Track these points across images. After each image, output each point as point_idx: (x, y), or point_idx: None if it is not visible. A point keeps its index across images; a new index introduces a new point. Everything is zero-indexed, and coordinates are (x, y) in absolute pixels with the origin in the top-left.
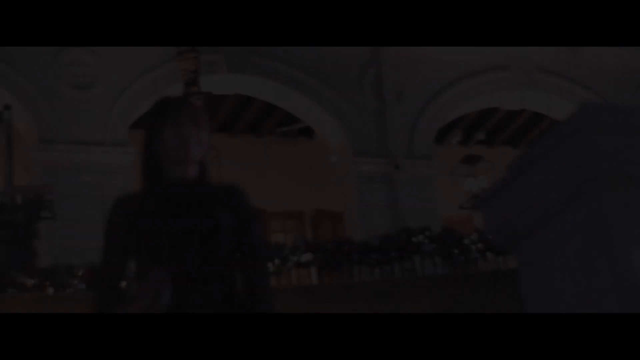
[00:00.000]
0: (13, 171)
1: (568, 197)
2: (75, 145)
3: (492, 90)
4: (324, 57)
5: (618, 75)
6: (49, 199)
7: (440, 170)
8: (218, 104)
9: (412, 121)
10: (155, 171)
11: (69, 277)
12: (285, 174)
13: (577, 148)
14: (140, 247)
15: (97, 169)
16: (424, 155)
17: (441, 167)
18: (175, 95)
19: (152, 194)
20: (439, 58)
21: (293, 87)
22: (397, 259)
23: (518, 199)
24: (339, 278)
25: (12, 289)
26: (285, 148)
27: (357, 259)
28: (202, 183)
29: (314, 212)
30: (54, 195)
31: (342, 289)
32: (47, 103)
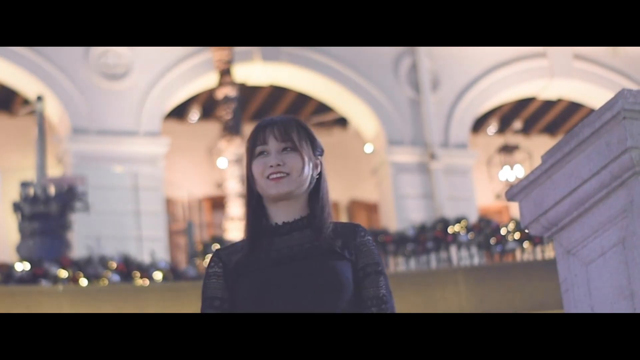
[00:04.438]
0: (46, 162)
1: (606, 186)
2: (108, 136)
3: (528, 79)
4: (358, 47)
5: None
6: (82, 190)
7: (476, 159)
8: (252, 94)
9: (447, 110)
10: None
11: (102, 268)
12: None
13: (614, 136)
14: None
15: (130, 160)
16: (460, 144)
17: (477, 156)
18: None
19: None
20: (475, 47)
21: (328, 77)
22: (433, 250)
23: (555, 189)
24: None
25: (46, 280)
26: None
27: (392, 249)
28: None
29: (349, 203)
30: (87, 186)
31: None
32: (79, 93)
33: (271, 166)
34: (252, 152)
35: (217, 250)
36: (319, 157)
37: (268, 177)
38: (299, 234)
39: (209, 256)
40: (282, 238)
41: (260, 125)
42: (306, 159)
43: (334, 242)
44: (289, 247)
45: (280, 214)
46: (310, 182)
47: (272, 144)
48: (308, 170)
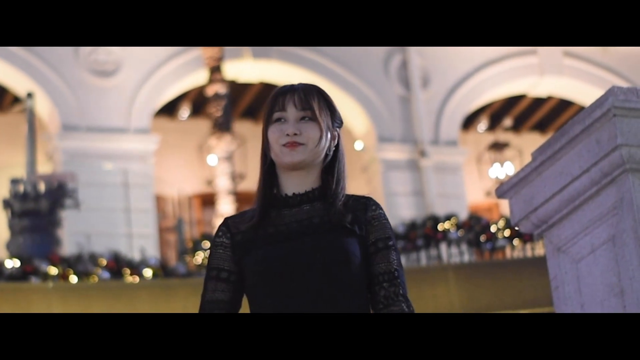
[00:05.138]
0: (36, 159)
1: (596, 183)
2: (98, 133)
3: (518, 76)
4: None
5: None
6: (72, 187)
7: (466, 156)
8: (242, 91)
9: (438, 107)
10: None
11: (92, 265)
12: None
13: (605, 134)
14: None
15: (120, 157)
16: (450, 141)
17: (467, 153)
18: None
19: None
20: (465, 47)
21: (318, 74)
22: (423, 247)
23: (545, 186)
24: None
25: (36, 277)
26: None
27: None
28: None
29: None
30: (77, 183)
31: None
32: (70, 91)
33: (288, 134)
34: (270, 117)
35: (225, 218)
36: (338, 128)
37: (284, 145)
38: (309, 207)
39: (199, 253)
40: (292, 210)
41: (281, 91)
42: (324, 129)
43: (344, 216)
44: (298, 221)
45: (292, 184)
46: (327, 154)
47: (291, 112)
48: (325, 142)
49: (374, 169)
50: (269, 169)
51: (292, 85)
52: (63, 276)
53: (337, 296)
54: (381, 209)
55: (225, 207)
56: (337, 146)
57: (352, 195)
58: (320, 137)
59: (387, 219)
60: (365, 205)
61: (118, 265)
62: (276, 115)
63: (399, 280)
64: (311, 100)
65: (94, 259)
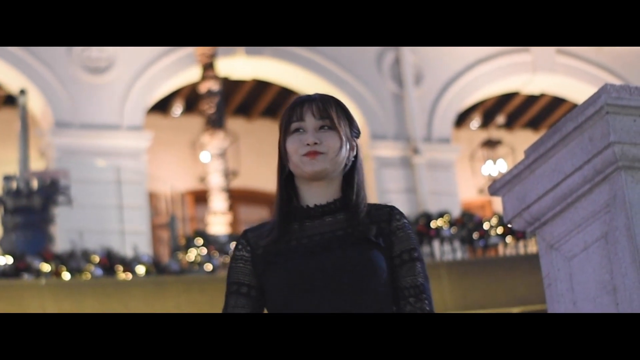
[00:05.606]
0: (29, 156)
1: (589, 180)
2: (90, 129)
3: (511, 74)
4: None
5: (639, 57)
6: (64, 183)
7: (459, 154)
8: (235, 88)
9: (430, 105)
10: None
11: (85, 262)
12: None
13: (598, 131)
14: None
15: (113, 154)
16: (443, 139)
17: (460, 151)
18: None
19: None
20: (459, 47)
21: (311, 71)
22: None
23: (538, 183)
24: None
25: (28, 274)
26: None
27: None
28: None
29: None
30: (70, 180)
31: None
32: (62, 87)
33: (307, 144)
34: (287, 128)
35: (245, 231)
36: (356, 138)
37: (303, 155)
38: (331, 218)
39: (191, 250)
40: (314, 222)
41: (298, 101)
42: (344, 138)
43: (368, 229)
44: (321, 234)
45: (313, 196)
46: (346, 164)
47: (309, 121)
48: (345, 151)
49: (367, 166)
50: (287, 181)
51: (309, 95)
52: (56, 273)
53: (364, 311)
54: (405, 218)
55: (218, 204)
56: (356, 156)
57: (374, 204)
58: (341, 146)
59: (411, 229)
60: (389, 215)
61: (111, 262)
62: (294, 125)
63: (424, 295)
64: (329, 109)
65: (86, 255)
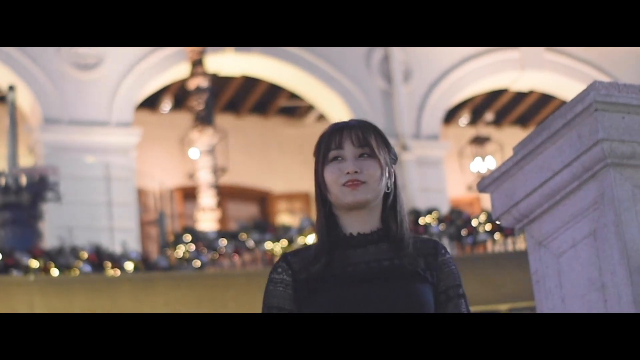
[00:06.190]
0: (17, 152)
1: (577, 177)
2: (79, 126)
3: (500, 71)
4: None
5: (628, 54)
6: (53, 180)
7: (448, 151)
8: (224, 84)
9: (419, 102)
10: None
11: (73, 258)
12: (291, 155)
13: (586, 128)
14: None
15: (101, 150)
16: (432, 136)
17: (449, 147)
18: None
19: None
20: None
21: (300, 68)
22: None
23: (526, 180)
24: None
25: (17, 270)
26: (291, 129)
27: None
28: None
29: None
30: (59, 176)
31: None
32: (51, 83)
33: (348, 173)
34: (325, 156)
35: (285, 254)
36: (394, 164)
37: (344, 185)
38: (375, 248)
39: (180, 247)
40: (357, 251)
41: (336, 128)
42: (384, 166)
43: (416, 262)
44: (366, 262)
45: (353, 224)
46: (385, 192)
47: (349, 149)
48: (385, 179)
49: None
50: (324, 206)
51: (347, 122)
52: (44, 269)
53: None
54: (449, 253)
55: (207, 201)
56: (395, 184)
57: (418, 237)
58: (381, 174)
59: (455, 264)
60: (435, 250)
61: (99, 258)
62: (333, 153)
63: None
64: (368, 136)
65: (75, 252)
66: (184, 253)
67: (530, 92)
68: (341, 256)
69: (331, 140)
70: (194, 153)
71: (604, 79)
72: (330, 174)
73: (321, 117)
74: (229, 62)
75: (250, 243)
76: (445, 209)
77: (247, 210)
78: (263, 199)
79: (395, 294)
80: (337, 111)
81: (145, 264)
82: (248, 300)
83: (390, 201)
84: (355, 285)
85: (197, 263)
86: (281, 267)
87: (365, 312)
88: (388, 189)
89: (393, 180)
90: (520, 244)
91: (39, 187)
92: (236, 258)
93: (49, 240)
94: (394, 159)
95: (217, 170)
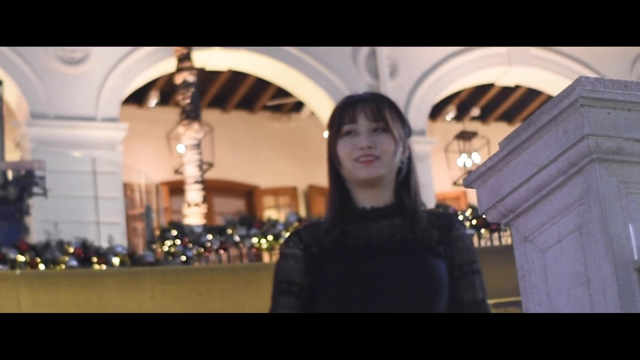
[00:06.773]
0: (4, 147)
1: (563, 173)
2: (66, 120)
3: (486, 66)
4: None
5: (613, 50)
6: (40, 174)
7: (434, 146)
8: (211, 79)
9: (405, 97)
10: None
11: (60, 253)
12: (278, 150)
13: (572, 124)
14: None
15: (88, 145)
16: (418, 131)
17: (435, 143)
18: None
19: None
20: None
21: (286, 63)
22: None
23: (512, 176)
24: None
25: (3, 265)
26: (278, 124)
27: None
28: None
29: (307, 188)
30: (45, 171)
31: None
32: (38, 78)
33: (361, 148)
34: (338, 130)
35: (297, 229)
36: (408, 138)
37: (357, 160)
38: (388, 222)
39: (167, 242)
40: (370, 225)
41: (349, 102)
42: (398, 141)
43: (430, 235)
44: (378, 236)
45: (367, 198)
46: (399, 167)
47: (363, 123)
48: (399, 154)
49: None
50: (337, 180)
51: (361, 95)
52: (31, 264)
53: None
54: (465, 227)
55: (193, 196)
56: (410, 157)
57: (432, 211)
58: (395, 149)
59: (470, 240)
60: (449, 224)
61: (86, 253)
62: (346, 128)
63: (485, 311)
64: (383, 110)
65: (61, 246)
66: (170, 248)
67: (516, 88)
68: (354, 230)
69: (345, 114)
70: (180, 148)
71: (590, 74)
72: (344, 149)
73: (301, 108)
74: (215, 57)
75: (237, 238)
76: (431, 204)
77: (234, 205)
78: (249, 194)
79: (407, 267)
80: (324, 106)
81: (131, 258)
82: (234, 295)
83: (404, 175)
84: (367, 258)
85: (183, 258)
86: (293, 241)
87: (377, 285)
88: (402, 164)
89: (407, 154)
90: (507, 239)
91: (26, 181)
92: (222, 253)
93: (36, 234)
94: (409, 133)
95: (204, 165)
